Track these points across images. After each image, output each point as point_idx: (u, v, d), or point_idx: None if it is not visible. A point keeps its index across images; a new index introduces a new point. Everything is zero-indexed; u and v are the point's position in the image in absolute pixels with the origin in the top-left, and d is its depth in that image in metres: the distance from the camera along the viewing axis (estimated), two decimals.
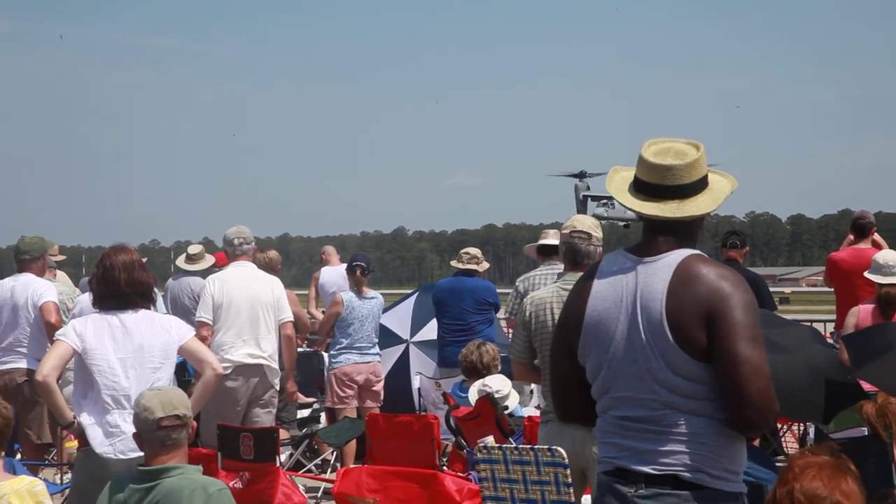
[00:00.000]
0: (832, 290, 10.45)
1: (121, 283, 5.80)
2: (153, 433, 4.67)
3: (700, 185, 3.64)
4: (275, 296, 8.57)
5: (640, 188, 3.67)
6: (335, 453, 9.81)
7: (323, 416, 10.71)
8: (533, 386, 8.90)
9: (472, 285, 10.37)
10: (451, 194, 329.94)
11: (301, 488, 7.98)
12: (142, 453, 4.86)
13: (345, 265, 13.16)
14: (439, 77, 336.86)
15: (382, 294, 10.92)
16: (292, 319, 8.75)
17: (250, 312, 8.33)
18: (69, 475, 8.08)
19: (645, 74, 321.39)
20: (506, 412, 7.43)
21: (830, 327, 11.10)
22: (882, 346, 5.52)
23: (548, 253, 9.07)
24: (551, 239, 8.99)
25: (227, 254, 8.81)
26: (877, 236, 10.31)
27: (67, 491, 6.66)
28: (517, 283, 9.12)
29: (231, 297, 8.31)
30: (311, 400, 11.05)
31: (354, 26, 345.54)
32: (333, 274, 13.17)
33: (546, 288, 5.95)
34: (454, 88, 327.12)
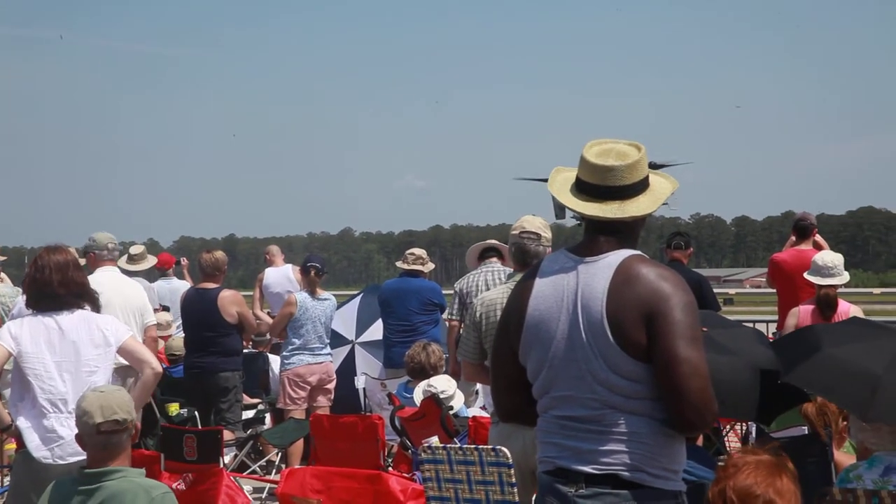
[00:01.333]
0: (775, 290, 10.53)
1: (53, 283, 5.71)
2: (93, 437, 4.61)
3: (641, 186, 3.67)
4: (142, 299, 8.67)
5: (582, 189, 3.68)
6: (280, 454, 9.77)
7: (268, 416, 10.68)
8: (479, 386, 8.93)
9: (417, 286, 10.38)
10: (399, 196, 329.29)
11: (246, 489, 7.95)
12: (82, 457, 4.80)
13: (289, 266, 13.11)
14: (387, 79, 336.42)
15: None
16: (156, 323, 8.90)
17: (125, 317, 8.30)
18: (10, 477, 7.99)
19: (599, 75, 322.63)
20: (451, 412, 7.44)
21: (773, 327, 11.18)
22: (809, 349, 5.58)
23: (485, 256, 9.25)
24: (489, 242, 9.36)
25: (95, 257, 8.73)
26: (818, 237, 10.40)
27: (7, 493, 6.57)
28: (455, 285, 9.19)
29: (107, 302, 8.27)
30: (255, 401, 11.00)
31: (303, 27, 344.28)
32: (277, 275, 13.11)
33: (496, 288, 5.97)
34: (402, 90, 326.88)
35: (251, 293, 13.55)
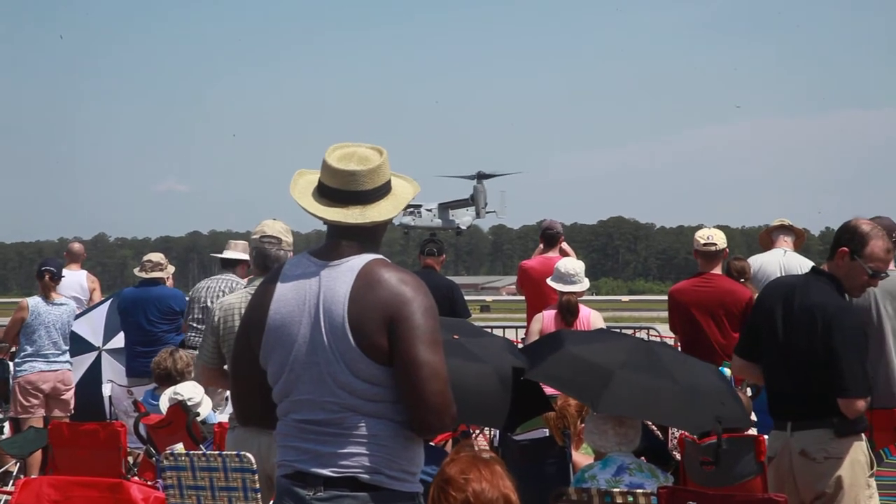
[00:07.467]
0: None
1: None
2: None
3: (383, 190, 3.69)
4: None
5: (324, 193, 3.68)
6: (18, 465, 9.41)
7: (7, 426, 10.29)
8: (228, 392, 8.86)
9: (157, 294, 10.24)
10: (158, 201, 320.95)
11: None
12: None
13: (84, 272, 12.44)
14: (150, 77, 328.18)
15: None
16: None
17: None
18: None
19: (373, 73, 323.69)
20: (198, 419, 7.34)
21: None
22: (552, 348, 5.79)
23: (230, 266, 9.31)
24: (231, 252, 9.47)
25: None
26: (565, 245, 10.74)
27: None
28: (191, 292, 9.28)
29: None
30: None
31: (60, 20, 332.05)
32: (70, 279, 12.17)
33: (235, 293, 5.94)
34: (162, 90, 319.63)
35: None
